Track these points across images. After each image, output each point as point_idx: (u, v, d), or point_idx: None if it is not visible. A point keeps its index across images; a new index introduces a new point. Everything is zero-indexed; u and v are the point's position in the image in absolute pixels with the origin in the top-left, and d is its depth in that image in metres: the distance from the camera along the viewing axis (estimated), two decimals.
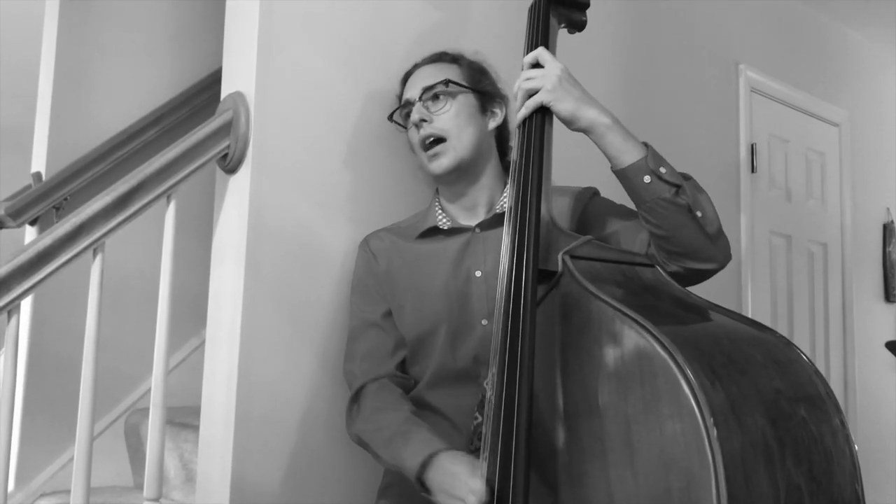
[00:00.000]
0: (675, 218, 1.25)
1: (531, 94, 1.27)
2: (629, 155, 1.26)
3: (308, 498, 1.63)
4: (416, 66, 1.61)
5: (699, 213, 1.26)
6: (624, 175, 1.27)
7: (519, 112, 1.29)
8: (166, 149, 1.60)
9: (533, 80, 1.27)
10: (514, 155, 1.28)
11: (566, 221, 1.45)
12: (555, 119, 1.29)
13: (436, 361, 1.48)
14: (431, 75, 1.54)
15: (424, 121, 1.50)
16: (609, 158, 1.28)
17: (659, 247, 1.29)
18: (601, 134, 1.27)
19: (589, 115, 1.26)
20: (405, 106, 1.57)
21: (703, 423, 0.88)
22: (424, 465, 1.25)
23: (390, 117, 1.63)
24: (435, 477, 1.24)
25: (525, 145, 1.25)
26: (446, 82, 1.52)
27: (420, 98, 1.52)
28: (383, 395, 1.47)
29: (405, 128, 1.59)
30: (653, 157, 1.25)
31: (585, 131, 1.28)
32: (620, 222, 1.42)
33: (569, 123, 1.28)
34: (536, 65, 1.30)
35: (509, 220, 1.20)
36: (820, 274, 3.43)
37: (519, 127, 1.29)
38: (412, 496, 1.30)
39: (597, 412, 1.00)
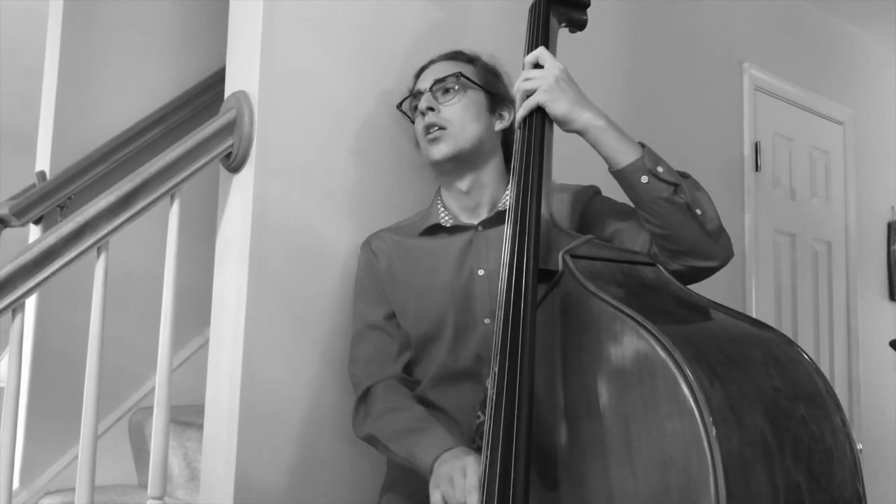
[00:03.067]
0: (675, 216, 1.25)
1: (529, 94, 1.28)
2: (625, 155, 1.26)
3: (312, 496, 1.63)
4: (431, 62, 1.61)
5: (699, 211, 1.27)
6: (621, 176, 1.27)
7: (518, 112, 1.30)
8: (170, 148, 1.61)
9: (530, 80, 1.28)
10: (514, 155, 1.28)
11: (567, 220, 1.45)
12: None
13: (439, 360, 1.48)
14: (446, 69, 1.55)
15: (431, 109, 1.51)
16: (606, 160, 1.29)
17: (660, 246, 1.29)
18: (596, 136, 1.27)
19: (583, 116, 1.26)
20: (415, 96, 1.58)
21: (703, 422, 0.88)
22: (437, 459, 1.25)
23: (399, 106, 1.64)
24: (439, 464, 1.24)
25: (525, 145, 1.25)
26: (458, 75, 1.52)
27: (430, 88, 1.53)
28: (391, 395, 1.47)
29: (412, 120, 1.60)
30: (649, 157, 1.26)
31: (580, 133, 1.28)
32: (622, 222, 1.42)
33: (563, 124, 1.28)
34: (537, 65, 1.30)
35: (509, 220, 1.20)
36: (824, 272, 3.43)
37: (519, 127, 1.30)
38: (415, 493, 1.30)
39: (597, 412, 1.00)
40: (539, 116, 1.27)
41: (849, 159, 3.58)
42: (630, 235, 1.38)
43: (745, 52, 3.06)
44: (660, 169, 1.25)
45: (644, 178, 1.25)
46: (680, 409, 0.90)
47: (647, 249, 1.33)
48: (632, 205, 1.35)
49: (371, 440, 1.47)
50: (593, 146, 1.29)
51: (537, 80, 1.27)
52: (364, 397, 1.50)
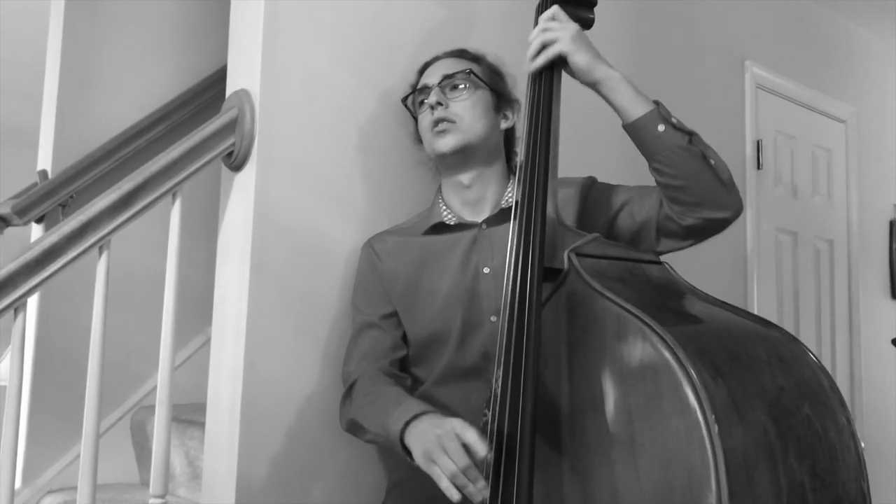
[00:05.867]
0: (692, 165, 1.27)
1: (547, 44, 1.28)
2: (641, 107, 1.28)
3: (313, 495, 1.63)
4: (436, 58, 1.61)
5: (713, 161, 1.28)
6: (637, 127, 1.29)
7: (535, 61, 1.29)
8: (172, 146, 1.61)
9: (549, 31, 1.29)
10: (520, 152, 1.28)
11: (570, 213, 1.46)
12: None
13: (445, 359, 1.48)
14: (453, 66, 1.56)
15: (440, 104, 1.51)
16: (620, 112, 1.30)
17: (674, 199, 1.31)
18: (613, 87, 1.29)
19: (603, 67, 1.29)
20: (422, 91, 1.58)
21: (705, 420, 0.88)
22: (407, 425, 1.23)
23: (404, 101, 1.64)
24: (414, 432, 1.21)
25: (532, 141, 1.25)
26: (468, 72, 1.53)
27: (439, 84, 1.53)
28: (375, 381, 1.47)
29: (415, 116, 1.60)
30: (664, 109, 1.28)
31: (598, 83, 1.30)
32: (626, 194, 1.45)
33: (584, 74, 1.29)
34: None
35: (515, 218, 1.20)
36: (826, 271, 3.42)
37: (529, 84, 1.29)
38: (419, 493, 1.30)
39: (601, 409, 1.00)
40: (548, 75, 1.28)
41: (851, 157, 3.57)
42: (638, 203, 1.41)
43: (747, 50, 3.06)
44: (674, 120, 1.27)
45: (661, 127, 1.26)
46: (682, 407, 0.90)
47: (656, 212, 1.35)
48: (630, 184, 1.35)
49: (354, 427, 1.46)
50: (608, 98, 1.30)
51: (557, 32, 1.28)
52: (350, 390, 1.50)
